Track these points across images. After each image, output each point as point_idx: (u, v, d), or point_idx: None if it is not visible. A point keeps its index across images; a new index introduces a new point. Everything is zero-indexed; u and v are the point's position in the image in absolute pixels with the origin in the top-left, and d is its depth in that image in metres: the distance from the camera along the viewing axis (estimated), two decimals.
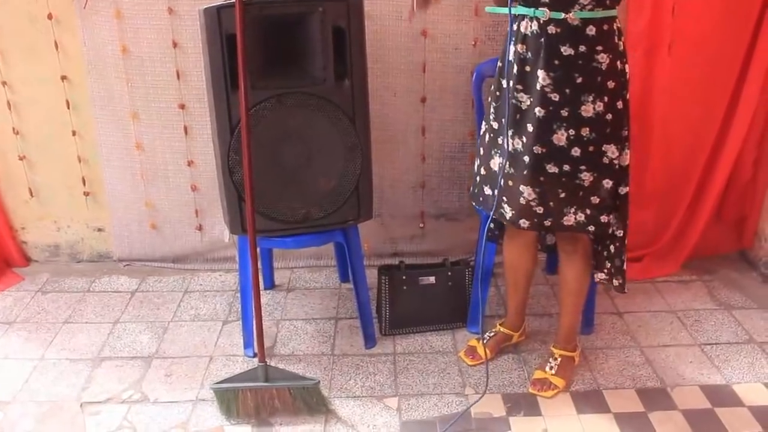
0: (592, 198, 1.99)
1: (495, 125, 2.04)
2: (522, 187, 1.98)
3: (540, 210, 2.00)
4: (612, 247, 2.12)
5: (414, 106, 2.72)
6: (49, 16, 2.61)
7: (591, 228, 2.03)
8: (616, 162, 1.97)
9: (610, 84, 1.89)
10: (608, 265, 2.16)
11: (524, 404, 2.17)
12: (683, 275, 2.90)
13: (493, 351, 2.36)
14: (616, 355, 2.40)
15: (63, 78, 2.72)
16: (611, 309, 2.68)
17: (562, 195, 1.97)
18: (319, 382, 2.14)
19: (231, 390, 2.12)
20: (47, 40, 2.65)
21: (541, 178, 1.95)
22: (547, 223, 2.02)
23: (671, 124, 2.76)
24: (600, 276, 2.19)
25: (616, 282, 2.17)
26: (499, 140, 2.02)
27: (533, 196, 1.98)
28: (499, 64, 2.01)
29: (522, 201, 2.00)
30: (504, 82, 1.97)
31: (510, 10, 1.87)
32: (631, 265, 2.87)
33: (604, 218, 2.02)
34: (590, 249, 2.17)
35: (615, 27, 1.88)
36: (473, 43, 2.62)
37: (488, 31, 2.59)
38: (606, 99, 1.89)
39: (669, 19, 2.60)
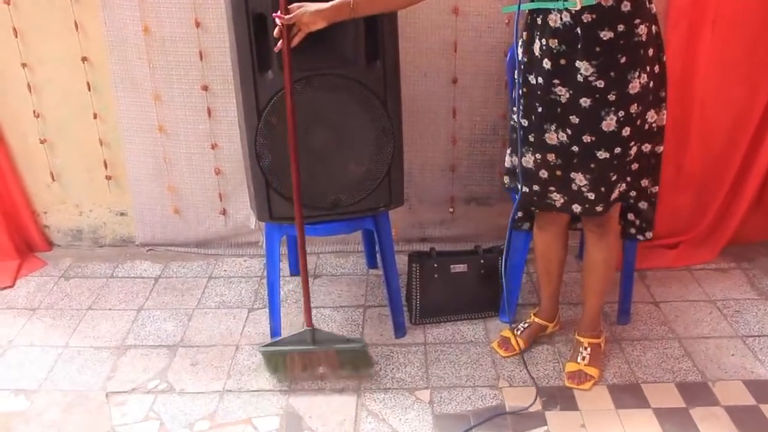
0: (632, 165, 1.96)
1: (525, 122, 1.95)
2: (573, 174, 1.92)
3: (592, 196, 1.94)
4: (644, 203, 2.10)
5: (445, 86, 2.62)
6: None
7: (632, 194, 2.03)
8: (655, 125, 1.93)
9: (650, 52, 1.82)
10: (638, 222, 2.13)
11: (560, 398, 2.10)
12: (721, 263, 2.80)
13: (527, 343, 2.29)
14: (653, 346, 2.32)
15: (83, 59, 2.65)
16: (647, 298, 2.59)
17: (614, 177, 1.91)
18: (366, 344, 2.18)
19: (280, 353, 2.15)
20: (67, 20, 2.58)
21: (592, 165, 1.89)
22: (599, 208, 1.96)
23: (711, 106, 2.66)
24: (648, 235, 2.16)
25: (648, 235, 2.16)
26: (531, 137, 1.94)
27: (584, 182, 1.92)
28: (524, 59, 1.91)
29: (574, 187, 1.94)
30: (532, 78, 1.88)
31: (532, 6, 1.78)
32: (666, 252, 2.82)
33: (644, 182, 2.03)
34: (618, 229, 2.13)
35: None
36: (506, 21, 2.51)
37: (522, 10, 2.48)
38: (648, 68, 1.82)
39: None
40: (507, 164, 2.15)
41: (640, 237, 2.16)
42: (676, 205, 2.76)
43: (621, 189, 1.98)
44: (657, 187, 2.08)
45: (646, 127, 1.91)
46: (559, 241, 2.21)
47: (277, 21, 1.85)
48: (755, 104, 2.67)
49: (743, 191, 2.78)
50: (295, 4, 1.87)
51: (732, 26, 2.55)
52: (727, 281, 2.70)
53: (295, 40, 1.88)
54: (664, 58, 1.90)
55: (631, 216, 2.14)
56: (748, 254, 2.85)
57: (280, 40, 1.87)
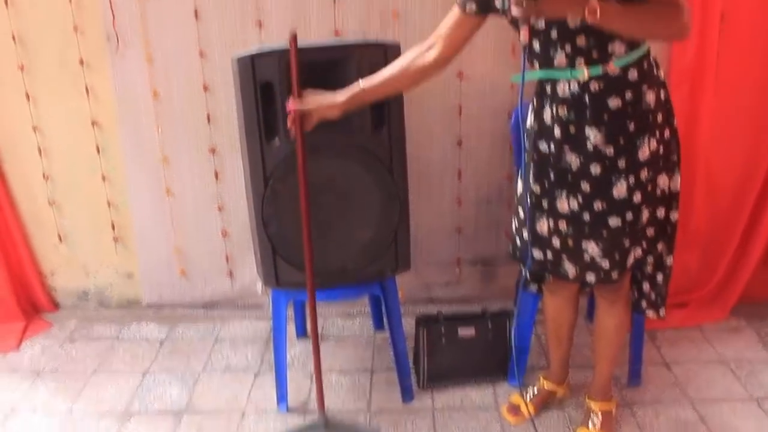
0: (647, 231, 1.93)
1: (537, 188, 1.94)
2: (585, 244, 1.90)
3: (606, 264, 1.91)
4: (660, 275, 2.05)
5: (450, 148, 2.65)
6: (81, 61, 2.59)
7: (649, 260, 1.99)
8: (667, 190, 1.92)
9: (659, 118, 1.82)
10: (653, 296, 2.07)
11: None
12: (732, 322, 2.77)
13: (537, 408, 2.25)
14: (666, 411, 2.28)
15: (93, 123, 2.69)
16: (658, 359, 2.55)
17: (627, 244, 1.89)
18: None
19: None
20: (78, 84, 2.63)
21: (604, 232, 1.87)
22: (614, 275, 1.93)
23: (716, 164, 2.67)
24: (662, 312, 2.09)
25: (661, 313, 2.09)
26: (544, 204, 1.93)
27: (597, 251, 1.89)
28: (534, 126, 1.92)
29: (586, 257, 1.91)
30: (543, 145, 1.89)
31: (522, 78, 1.76)
32: (676, 311, 2.78)
33: (659, 247, 1.99)
34: (630, 295, 2.09)
35: (652, 60, 1.81)
36: (510, 85, 2.54)
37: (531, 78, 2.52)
38: (657, 134, 1.82)
39: (714, 54, 2.52)
40: (514, 229, 2.14)
41: (651, 313, 2.09)
42: (683, 263, 2.74)
43: (636, 255, 1.94)
44: (671, 258, 2.03)
45: (658, 192, 1.89)
46: (569, 306, 2.19)
47: (290, 105, 1.87)
48: (760, 161, 2.68)
49: (751, 248, 2.76)
50: (309, 90, 1.90)
51: (734, 86, 2.58)
52: (739, 341, 2.66)
53: (307, 127, 1.92)
54: (675, 123, 1.89)
55: (645, 287, 2.07)
56: (760, 312, 2.81)
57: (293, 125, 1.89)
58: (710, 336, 2.69)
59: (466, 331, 2.38)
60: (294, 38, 1.85)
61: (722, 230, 2.76)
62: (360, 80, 1.89)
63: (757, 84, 2.59)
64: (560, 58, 1.75)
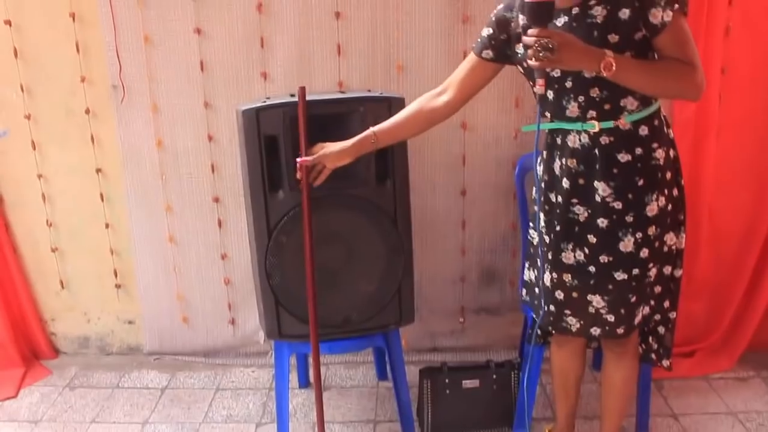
0: (655, 288, 1.92)
1: (546, 239, 1.94)
2: (590, 296, 1.88)
3: (611, 318, 1.89)
4: (663, 329, 2.03)
5: (454, 198, 2.65)
6: (87, 111, 2.62)
7: (657, 317, 1.97)
8: (674, 247, 1.90)
9: (668, 175, 1.82)
10: (656, 347, 2.06)
11: None
12: (740, 371, 2.73)
13: None
14: None
15: (98, 171, 2.70)
16: (666, 410, 2.52)
17: (633, 299, 1.87)
18: None
19: None
20: (83, 133, 2.65)
21: (610, 286, 1.86)
22: (620, 330, 1.91)
23: (720, 213, 2.66)
24: (667, 363, 2.07)
25: (666, 363, 2.07)
26: (550, 255, 1.92)
27: (602, 304, 1.88)
28: (544, 176, 1.93)
29: (591, 310, 1.90)
30: (553, 196, 1.89)
31: (538, 127, 1.79)
32: (683, 360, 2.75)
33: (666, 304, 1.98)
34: (638, 348, 2.07)
35: (662, 117, 1.82)
36: (514, 134, 2.56)
37: (530, 123, 2.52)
38: (666, 192, 1.82)
39: (716, 105, 2.54)
40: (525, 278, 2.13)
41: (660, 364, 2.07)
42: (690, 312, 2.71)
43: (644, 312, 1.92)
44: (675, 313, 2.02)
45: (665, 249, 1.88)
46: (577, 359, 2.16)
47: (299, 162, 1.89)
48: (764, 209, 2.67)
49: (758, 297, 2.74)
50: (318, 145, 1.92)
51: (736, 134, 2.59)
52: (748, 391, 2.62)
53: (321, 178, 1.94)
54: (683, 182, 1.89)
55: (651, 340, 2.06)
56: (767, 361, 2.78)
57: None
58: (717, 386, 2.66)
59: (470, 383, 2.36)
60: (303, 93, 1.87)
61: (728, 279, 2.74)
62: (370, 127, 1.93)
63: (759, 134, 2.60)
64: (573, 108, 1.76)
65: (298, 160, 1.92)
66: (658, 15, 1.63)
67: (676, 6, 1.64)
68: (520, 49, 1.77)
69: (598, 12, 1.66)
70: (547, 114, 1.83)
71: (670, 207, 1.84)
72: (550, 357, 2.22)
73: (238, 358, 2.89)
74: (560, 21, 1.70)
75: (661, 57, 1.69)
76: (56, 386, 2.77)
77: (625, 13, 1.64)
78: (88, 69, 2.57)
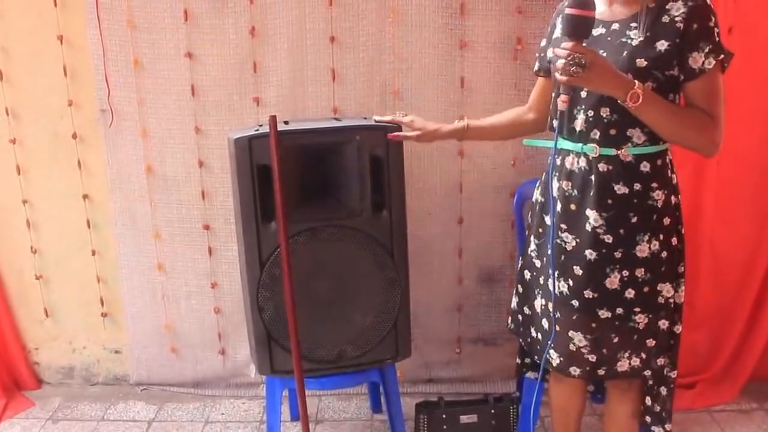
0: (647, 341, 1.82)
1: (538, 263, 1.89)
2: (572, 333, 1.82)
3: (592, 358, 1.83)
4: (664, 389, 1.93)
5: (450, 227, 2.59)
6: (74, 135, 2.55)
7: (647, 373, 1.87)
8: (671, 300, 1.81)
9: (666, 221, 1.75)
10: (657, 408, 1.94)
11: None
12: (743, 403, 2.67)
13: None
14: None
15: (84, 197, 2.63)
16: None
17: (616, 340, 1.81)
18: None
19: None
20: (70, 158, 2.59)
21: (593, 324, 1.79)
22: (601, 372, 1.85)
23: (721, 243, 2.62)
24: (668, 427, 1.96)
25: (668, 428, 1.95)
26: (541, 280, 1.87)
27: (584, 342, 1.81)
28: (541, 199, 1.88)
29: (572, 347, 1.83)
30: (548, 219, 1.83)
31: (555, 145, 1.73)
32: (684, 392, 2.68)
33: (660, 361, 1.87)
34: (643, 385, 1.97)
35: (668, 160, 1.76)
36: (512, 162, 2.51)
37: (527, 150, 2.48)
38: (661, 237, 1.74)
39: None
40: (512, 305, 2.08)
41: (657, 429, 1.94)
42: (690, 343, 2.65)
43: (633, 363, 1.83)
44: (675, 372, 1.91)
45: (660, 300, 1.79)
46: (577, 395, 2.09)
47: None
48: (765, 238, 2.63)
49: (760, 326, 2.69)
50: (418, 119, 1.98)
51: (737, 163, 2.54)
52: (751, 424, 2.56)
53: (399, 137, 1.99)
54: (683, 231, 1.81)
55: (648, 400, 1.92)
56: None
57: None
58: (720, 418, 2.60)
59: (468, 418, 2.30)
60: (274, 122, 1.84)
61: (729, 309, 2.69)
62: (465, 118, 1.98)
63: (760, 162, 2.56)
64: (580, 120, 1.71)
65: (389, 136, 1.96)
66: (699, 60, 1.59)
67: (721, 56, 1.60)
68: (550, 53, 1.73)
69: (636, 36, 1.62)
70: (555, 124, 1.78)
71: (665, 254, 1.75)
72: (549, 391, 2.16)
73: (228, 389, 2.81)
74: (596, 31, 1.65)
75: (686, 103, 1.65)
76: (39, 418, 2.68)
77: (663, 45, 1.59)
78: (76, 93, 2.51)
